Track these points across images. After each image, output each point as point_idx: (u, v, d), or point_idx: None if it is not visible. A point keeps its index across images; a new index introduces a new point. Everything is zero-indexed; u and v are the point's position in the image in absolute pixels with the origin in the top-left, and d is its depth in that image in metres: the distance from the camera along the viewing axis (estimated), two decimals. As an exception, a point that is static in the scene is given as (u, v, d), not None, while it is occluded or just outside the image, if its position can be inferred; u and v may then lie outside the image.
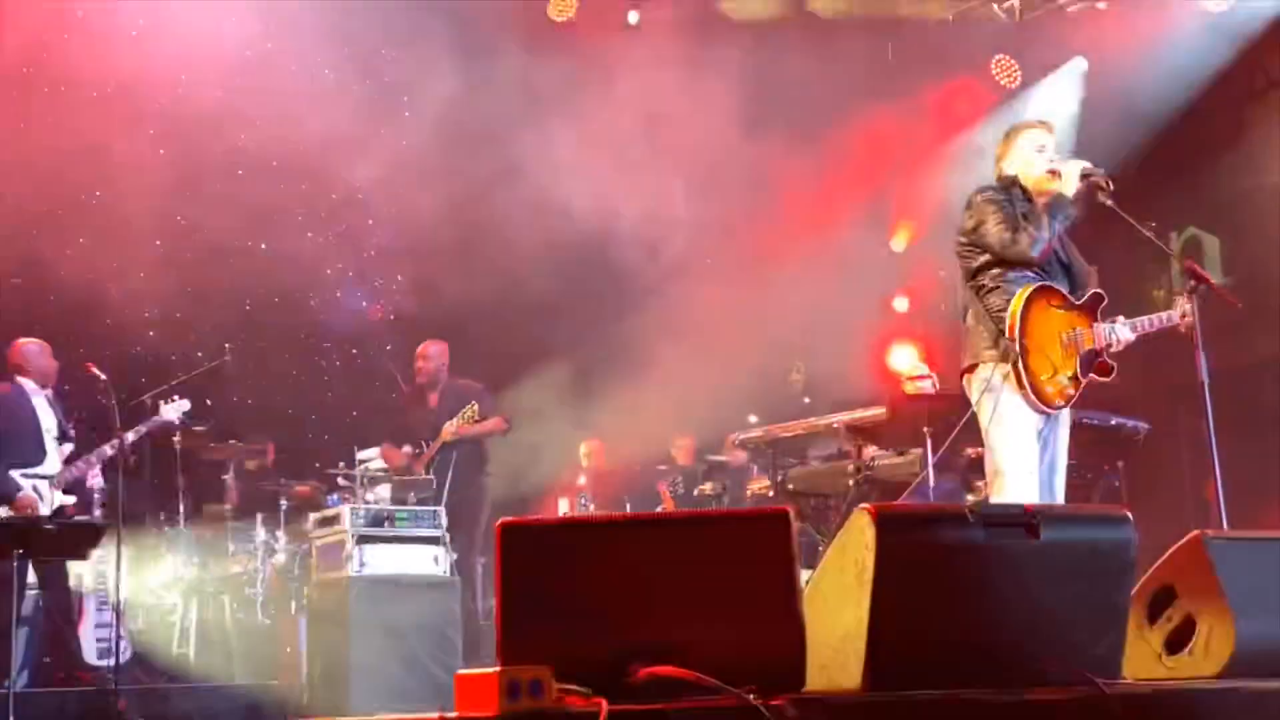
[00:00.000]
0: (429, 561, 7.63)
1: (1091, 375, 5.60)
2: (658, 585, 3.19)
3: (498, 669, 2.85)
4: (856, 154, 11.43)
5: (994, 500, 5.49)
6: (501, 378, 10.10)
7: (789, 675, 3.12)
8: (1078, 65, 11.66)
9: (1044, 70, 11.81)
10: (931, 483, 7.78)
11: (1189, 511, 7.73)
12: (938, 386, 9.18)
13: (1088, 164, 5.61)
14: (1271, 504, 9.09)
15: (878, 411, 8.20)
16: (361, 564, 7.40)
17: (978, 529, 3.39)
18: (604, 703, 2.80)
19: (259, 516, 9.04)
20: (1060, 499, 5.67)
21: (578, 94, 10.56)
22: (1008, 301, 5.50)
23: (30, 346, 8.36)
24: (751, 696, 2.91)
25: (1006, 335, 5.43)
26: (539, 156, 10.60)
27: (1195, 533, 3.85)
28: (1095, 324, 5.64)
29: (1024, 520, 3.45)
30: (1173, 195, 10.81)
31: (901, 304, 12.17)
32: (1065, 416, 5.66)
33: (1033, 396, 5.45)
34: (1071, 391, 5.55)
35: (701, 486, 9.61)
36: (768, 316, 11.61)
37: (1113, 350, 5.64)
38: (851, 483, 8.16)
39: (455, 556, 7.91)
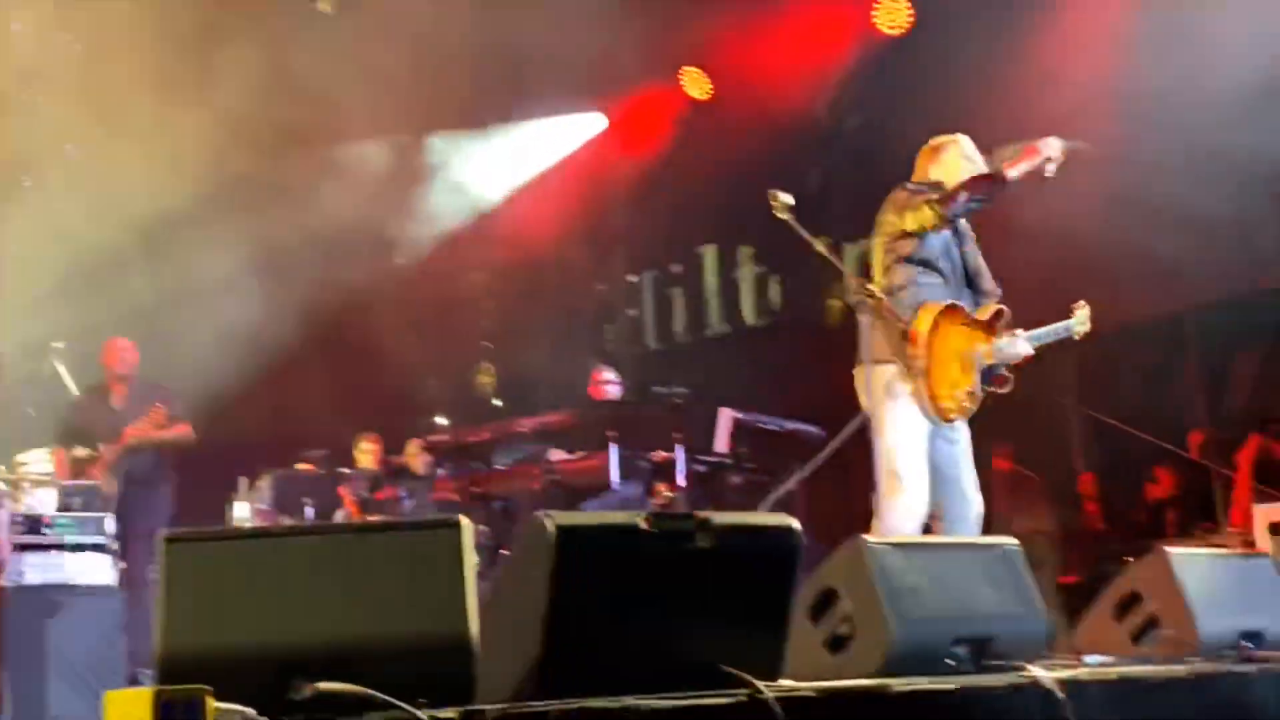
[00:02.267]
0: (94, 570, 7.28)
1: (990, 388, 5.82)
2: (326, 598, 3.12)
3: (152, 688, 2.73)
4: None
5: (889, 502, 5.60)
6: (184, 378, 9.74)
7: (459, 686, 3.10)
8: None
9: (733, 83, 12.15)
10: (616, 487, 7.91)
11: (862, 517, 8.04)
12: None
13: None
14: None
15: (567, 415, 8.29)
16: (19, 573, 7.02)
17: (652, 537, 3.44)
18: (265, 722, 2.72)
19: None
20: (974, 499, 5.83)
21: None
22: (912, 309, 5.66)
23: None
24: (421, 710, 2.88)
25: (909, 349, 5.56)
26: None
27: (857, 537, 4.01)
28: (995, 339, 5.83)
29: (696, 528, 3.52)
30: (848, 211, 11.27)
31: (592, 309, 12.32)
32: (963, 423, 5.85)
33: (930, 411, 5.63)
34: (969, 405, 5.75)
35: (385, 490, 9.48)
36: (458, 317, 11.56)
37: (1014, 364, 5.86)
38: (537, 486, 8.22)
39: (124, 565, 7.59)
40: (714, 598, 3.52)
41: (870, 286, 5.60)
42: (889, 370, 5.67)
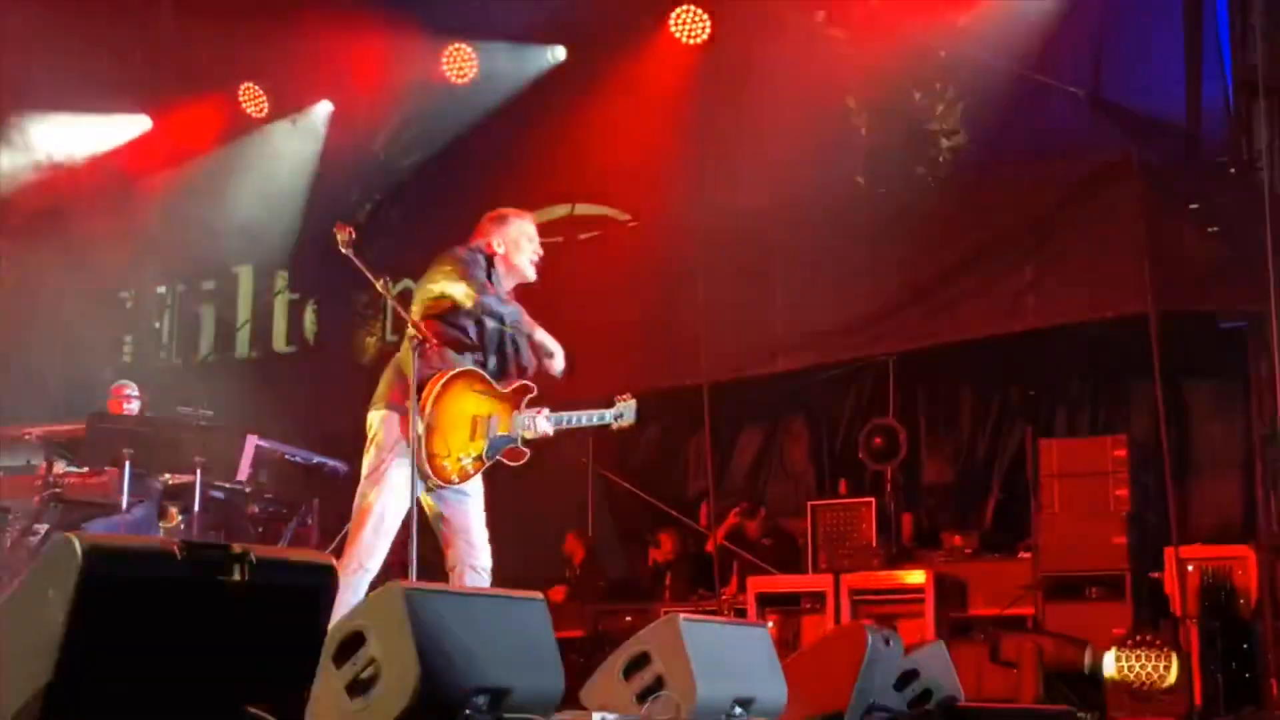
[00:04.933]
0: None
1: (501, 459, 5.88)
2: None
3: None
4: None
5: (356, 540, 5.63)
6: None
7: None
8: (324, 108, 11.90)
9: (291, 107, 11.95)
10: (125, 506, 7.54)
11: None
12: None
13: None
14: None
15: (76, 426, 7.85)
16: None
17: (185, 566, 3.32)
18: None
19: None
20: (483, 549, 5.87)
21: None
22: (429, 373, 5.68)
23: None
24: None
25: (417, 411, 5.56)
26: None
27: (393, 583, 4.00)
28: (515, 413, 5.89)
29: (232, 561, 3.42)
30: (395, 249, 11.30)
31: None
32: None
33: (426, 469, 5.64)
34: (471, 471, 5.82)
35: None
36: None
37: (530, 439, 5.92)
38: (38, 498, 7.71)
39: None
40: (243, 633, 3.42)
41: (425, 330, 5.63)
42: (397, 418, 5.75)
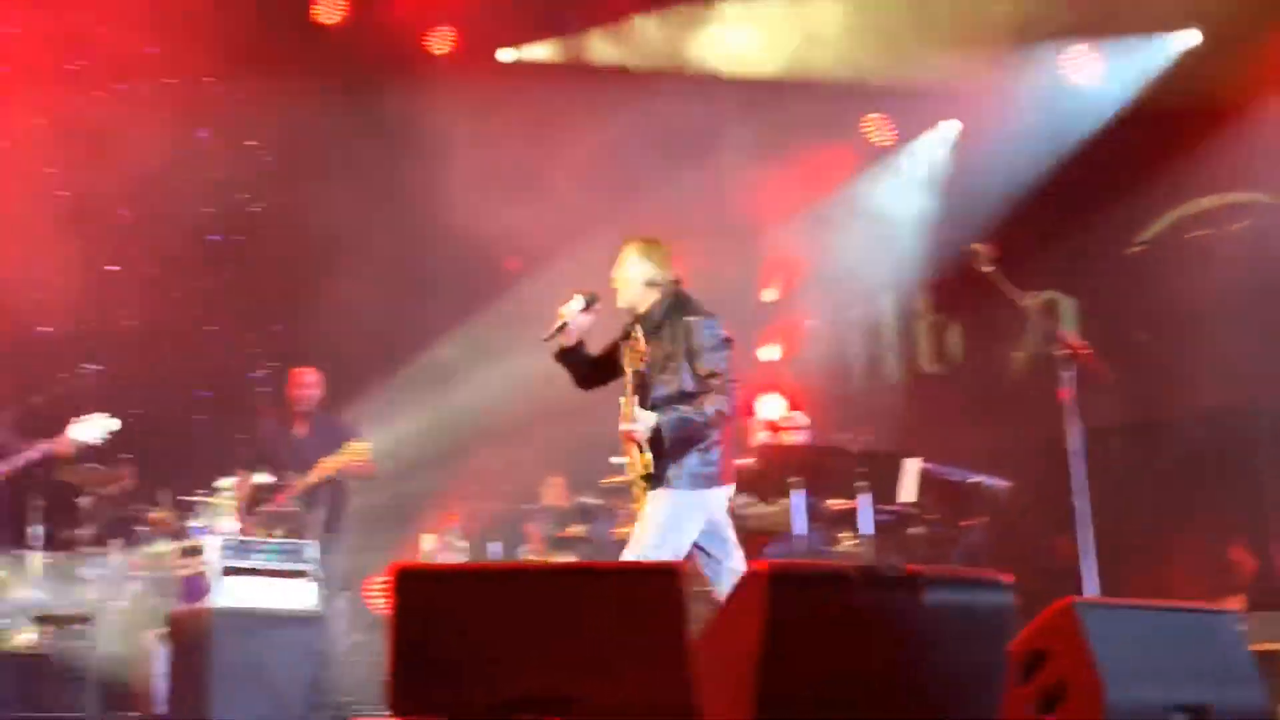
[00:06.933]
0: (296, 595, 7.44)
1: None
2: (550, 637, 3.19)
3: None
4: (731, 205, 11.63)
5: None
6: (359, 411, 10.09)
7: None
8: (951, 128, 11.94)
9: (916, 131, 12.10)
10: (799, 533, 7.90)
11: (1053, 571, 7.92)
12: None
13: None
14: (1134, 567, 9.33)
15: (748, 460, 8.31)
16: (225, 595, 7.22)
17: (864, 589, 3.47)
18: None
19: (114, 542, 8.73)
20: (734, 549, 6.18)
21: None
22: None
23: None
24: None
25: None
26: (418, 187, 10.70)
27: (1068, 599, 3.96)
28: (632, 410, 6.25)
29: (907, 582, 3.53)
30: (1032, 261, 11.12)
31: (771, 352, 12.30)
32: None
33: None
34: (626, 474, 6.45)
35: (570, 529, 9.52)
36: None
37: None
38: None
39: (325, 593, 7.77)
40: (926, 651, 3.53)
41: (1077, 344, 5.55)
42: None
